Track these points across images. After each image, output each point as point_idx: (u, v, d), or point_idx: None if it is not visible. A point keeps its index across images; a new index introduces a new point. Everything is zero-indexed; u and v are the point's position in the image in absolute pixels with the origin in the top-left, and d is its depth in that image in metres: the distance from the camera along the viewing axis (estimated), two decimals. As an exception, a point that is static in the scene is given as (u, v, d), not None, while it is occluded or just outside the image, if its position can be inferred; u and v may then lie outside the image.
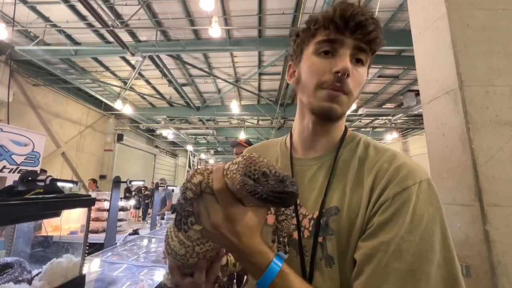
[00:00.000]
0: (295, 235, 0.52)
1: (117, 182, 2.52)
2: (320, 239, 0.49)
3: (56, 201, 0.83)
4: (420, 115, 7.64)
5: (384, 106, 9.18)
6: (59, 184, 0.98)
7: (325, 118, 0.54)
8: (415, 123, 10.36)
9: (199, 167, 0.46)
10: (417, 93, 7.48)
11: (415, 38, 1.80)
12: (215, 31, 4.19)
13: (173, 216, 0.47)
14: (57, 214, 0.88)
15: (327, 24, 0.50)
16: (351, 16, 0.48)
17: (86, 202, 0.96)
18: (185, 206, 0.44)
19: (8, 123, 2.99)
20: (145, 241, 2.61)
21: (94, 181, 5.86)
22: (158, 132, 12.32)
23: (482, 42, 1.47)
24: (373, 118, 10.43)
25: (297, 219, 0.53)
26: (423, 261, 0.39)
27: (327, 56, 0.51)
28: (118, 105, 7.55)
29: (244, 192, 0.38)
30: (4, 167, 1.85)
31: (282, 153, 0.66)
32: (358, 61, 0.52)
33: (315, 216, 0.51)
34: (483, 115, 1.39)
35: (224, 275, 0.58)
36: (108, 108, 9.05)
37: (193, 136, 13.65)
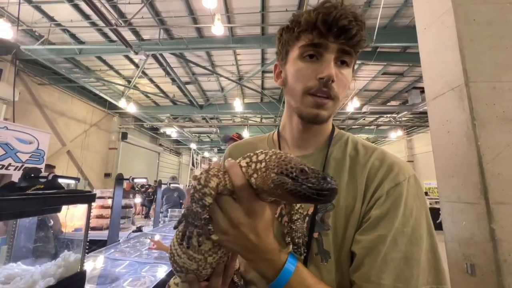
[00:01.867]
0: None
1: (120, 179, 2.54)
2: (315, 234, 0.50)
3: (56, 196, 0.84)
4: (425, 113, 7.54)
5: (388, 104, 9.09)
6: (61, 180, 0.99)
7: (312, 122, 0.55)
8: (420, 120, 10.24)
9: (210, 168, 0.42)
10: (422, 90, 7.39)
11: (420, 34, 1.77)
12: (218, 29, 4.18)
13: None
14: (57, 209, 0.89)
15: (310, 29, 0.50)
16: (334, 21, 0.48)
17: (87, 198, 0.97)
18: (201, 214, 0.39)
19: (14, 122, 3.02)
20: (148, 239, 2.63)
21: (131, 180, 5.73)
22: (161, 130, 12.40)
23: (489, 37, 1.43)
24: (377, 116, 10.34)
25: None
26: (414, 249, 0.44)
27: (312, 60, 0.51)
28: (122, 103, 7.61)
29: (279, 191, 0.37)
30: (9, 164, 1.88)
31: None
32: (342, 63, 0.52)
33: (309, 213, 0.52)
34: (490, 111, 1.36)
35: (239, 278, 0.56)
36: (112, 107, 9.12)
37: (197, 134, 13.71)
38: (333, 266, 0.48)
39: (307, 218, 0.52)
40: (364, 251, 0.45)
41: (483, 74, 1.40)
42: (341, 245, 0.49)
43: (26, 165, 2.00)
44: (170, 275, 1.66)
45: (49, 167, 3.35)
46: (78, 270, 0.90)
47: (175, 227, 0.43)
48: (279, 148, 0.64)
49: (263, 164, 0.40)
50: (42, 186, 0.86)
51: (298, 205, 0.47)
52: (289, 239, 0.45)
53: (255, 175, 0.40)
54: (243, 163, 0.42)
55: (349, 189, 0.51)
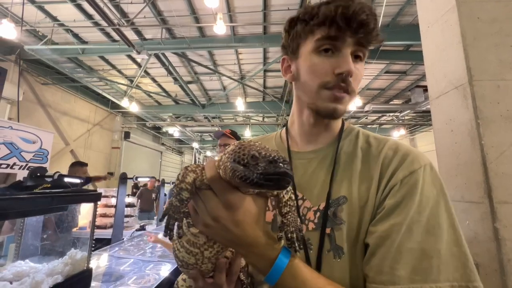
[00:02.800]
0: None
1: (123, 178, 2.56)
2: (328, 230, 0.48)
3: (63, 195, 0.85)
4: (428, 111, 7.50)
5: (391, 102, 9.05)
6: (67, 180, 1.00)
7: (329, 117, 0.54)
8: (423, 119, 10.18)
9: (190, 165, 0.44)
10: (425, 89, 7.34)
11: (423, 32, 1.76)
12: (219, 28, 4.18)
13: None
14: (64, 208, 0.91)
15: (328, 23, 0.49)
16: (353, 15, 0.47)
17: (92, 197, 0.99)
18: (180, 208, 0.41)
19: (18, 121, 3.05)
20: (146, 234, 2.65)
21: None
22: (164, 129, 12.43)
23: (493, 34, 1.42)
24: (380, 115, 10.29)
25: (298, 212, 0.52)
26: (432, 239, 0.41)
27: (327, 54, 0.50)
28: (124, 103, 7.64)
29: (236, 179, 0.36)
30: (14, 163, 1.90)
31: (278, 147, 0.65)
32: (356, 57, 0.51)
33: (321, 208, 0.51)
34: (494, 110, 1.35)
35: (246, 276, 0.56)
36: (115, 106, 9.16)
37: (199, 134, 13.73)
38: (347, 263, 0.46)
39: (318, 213, 0.50)
40: (377, 241, 0.43)
41: (487, 72, 1.40)
42: (356, 239, 0.47)
43: (30, 164, 2.03)
44: (173, 273, 1.67)
45: (81, 164, 3.31)
46: (85, 268, 0.91)
47: (160, 220, 0.45)
48: (287, 145, 0.63)
49: (226, 155, 0.40)
50: (49, 185, 0.87)
51: (286, 197, 0.45)
52: (281, 234, 0.43)
53: (222, 167, 0.40)
54: (218, 157, 0.42)
55: (362, 181, 0.49)
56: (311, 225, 0.51)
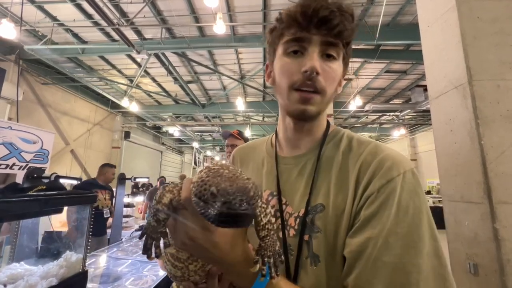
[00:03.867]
0: (280, 234, 0.51)
1: (122, 179, 2.56)
2: (306, 237, 0.48)
3: (58, 198, 0.85)
4: (429, 111, 7.47)
5: (391, 102, 9.03)
6: (63, 181, 1.00)
7: (300, 119, 0.54)
8: (423, 119, 10.16)
9: (168, 184, 0.44)
10: (425, 88, 7.30)
11: (423, 32, 1.75)
12: (219, 27, 4.17)
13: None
14: (59, 210, 0.90)
15: (291, 23, 0.49)
16: (314, 12, 0.46)
17: (88, 199, 0.98)
18: (158, 228, 0.41)
19: (17, 121, 3.05)
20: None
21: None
22: (164, 129, 12.44)
23: (494, 34, 1.42)
24: (380, 114, 10.28)
25: (281, 218, 0.52)
26: (412, 252, 0.39)
27: (296, 55, 0.50)
28: (124, 102, 7.63)
29: (200, 213, 0.35)
30: (13, 164, 1.89)
31: (268, 152, 0.65)
32: (329, 56, 0.50)
33: (301, 214, 0.50)
34: (494, 110, 1.34)
35: None
36: (115, 106, 9.16)
37: (199, 133, 13.73)
38: (323, 271, 0.46)
39: (298, 220, 0.49)
40: (353, 255, 0.42)
41: (487, 72, 1.39)
42: (333, 248, 0.46)
43: (30, 164, 2.02)
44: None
45: (111, 166, 3.42)
46: (80, 270, 0.91)
47: (140, 238, 0.44)
48: (276, 150, 0.63)
49: (198, 179, 0.38)
50: (45, 187, 0.87)
51: (264, 220, 0.43)
52: (257, 257, 0.41)
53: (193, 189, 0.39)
54: (195, 179, 0.40)
55: (340, 188, 0.48)
56: (292, 231, 0.51)
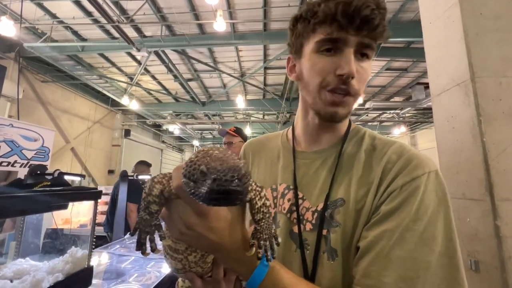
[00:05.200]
0: (296, 229, 0.51)
1: (124, 176, 2.56)
2: (324, 231, 0.48)
3: (63, 193, 0.85)
4: (429, 109, 7.48)
5: (392, 100, 9.01)
6: (66, 177, 1.00)
7: (330, 121, 0.53)
8: (423, 116, 10.15)
9: (156, 176, 0.42)
10: (426, 86, 7.31)
11: (425, 29, 1.75)
12: (219, 25, 4.15)
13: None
14: (64, 206, 0.91)
15: (328, 21, 0.46)
16: (355, 11, 0.43)
17: (93, 195, 0.99)
18: (151, 221, 0.40)
19: (18, 119, 3.05)
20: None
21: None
22: (164, 127, 12.42)
23: (496, 31, 1.41)
24: (380, 112, 10.26)
25: (297, 212, 0.52)
26: (424, 249, 0.40)
27: (329, 54, 0.48)
28: (125, 100, 7.62)
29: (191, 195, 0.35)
30: (15, 161, 1.90)
31: (283, 146, 0.65)
32: (362, 55, 0.49)
33: (319, 209, 0.50)
34: (496, 107, 1.34)
35: None
36: (115, 104, 9.15)
37: (199, 131, 13.72)
38: (340, 265, 0.46)
39: (315, 214, 0.49)
40: (367, 245, 0.43)
41: (489, 69, 1.39)
42: (350, 243, 0.46)
43: (31, 162, 2.02)
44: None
45: (147, 164, 3.43)
46: (86, 266, 0.92)
47: (131, 234, 0.44)
48: (293, 145, 0.61)
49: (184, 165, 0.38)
50: (49, 183, 0.87)
51: (259, 203, 0.43)
52: (253, 241, 0.40)
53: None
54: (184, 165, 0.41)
55: (362, 184, 0.48)
56: (308, 226, 0.51)
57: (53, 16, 5.05)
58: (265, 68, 7.01)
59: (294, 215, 0.53)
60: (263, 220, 0.42)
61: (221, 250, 0.41)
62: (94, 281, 0.99)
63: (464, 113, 1.45)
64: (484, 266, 1.34)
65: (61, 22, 5.20)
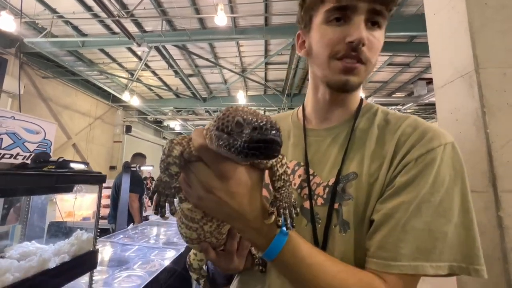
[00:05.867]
0: (307, 204, 0.51)
1: (127, 167, 2.57)
2: (336, 205, 0.48)
3: (69, 175, 0.86)
4: (431, 104, 7.44)
5: (393, 96, 8.97)
6: (71, 165, 1.01)
7: (341, 91, 0.52)
8: (425, 112, 10.11)
9: (174, 138, 0.41)
10: (428, 81, 7.27)
11: (429, 20, 1.73)
12: (221, 19, 4.13)
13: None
14: (69, 189, 0.91)
15: None
16: None
17: (97, 178, 0.99)
18: (171, 184, 0.39)
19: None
20: (155, 227, 2.68)
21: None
22: (165, 123, 12.43)
23: (501, 21, 1.39)
24: (382, 108, 10.21)
25: (309, 188, 0.52)
26: (441, 220, 0.40)
27: (339, 23, 0.47)
28: (125, 96, 7.62)
29: (222, 149, 0.33)
30: (17, 154, 1.90)
31: (294, 125, 0.64)
32: (374, 24, 0.48)
33: (330, 183, 0.50)
34: (500, 98, 1.33)
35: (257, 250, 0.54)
36: (116, 100, 9.14)
37: (200, 127, 13.72)
38: (352, 237, 0.45)
39: (327, 189, 0.49)
40: (382, 218, 0.42)
41: (494, 60, 1.37)
42: (362, 215, 0.46)
43: (34, 155, 2.03)
44: (178, 259, 1.69)
45: (142, 156, 3.59)
46: (91, 249, 0.93)
47: (150, 198, 0.43)
48: (303, 123, 0.61)
49: (212, 122, 0.36)
50: (54, 167, 0.87)
51: (281, 170, 0.41)
52: (273, 209, 0.39)
53: (208, 136, 0.36)
54: (207, 126, 0.38)
55: (375, 158, 0.48)
56: (319, 200, 0.50)
57: (53, 11, 5.03)
58: (266, 64, 6.97)
59: (305, 191, 0.52)
60: (283, 188, 0.41)
61: (239, 218, 0.39)
62: (98, 268, 1.00)
63: (468, 104, 1.45)
64: (486, 257, 1.33)
65: (61, 17, 5.17)
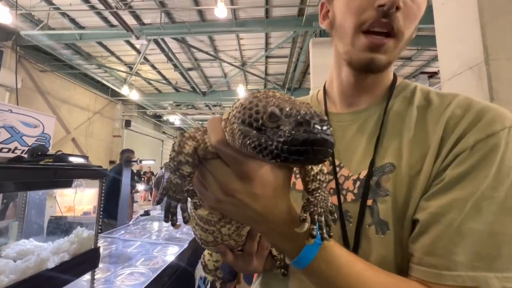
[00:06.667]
0: (334, 200, 0.44)
1: (127, 161, 2.55)
2: (369, 202, 0.41)
3: (67, 169, 0.83)
4: (433, 99, 7.34)
5: (394, 90, 8.92)
6: (70, 159, 0.98)
7: (365, 71, 0.45)
8: (426, 107, 10.08)
9: (186, 131, 0.35)
10: (430, 75, 7.20)
11: (437, 10, 1.68)
12: (220, 11, 4.05)
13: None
14: (68, 183, 0.88)
15: None
16: None
17: (97, 172, 0.96)
18: (183, 186, 0.33)
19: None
20: (156, 222, 2.67)
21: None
22: (165, 118, 12.37)
23: (511, 11, 1.35)
24: (382, 103, 10.18)
25: (336, 181, 0.45)
26: (507, 220, 0.32)
27: None
28: (124, 90, 7.55)
29: (248, 149, 0.25)
30: (16, 148, 1.86)
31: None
32: None
33: (361, 177, 0.43)
34: (510, 89, 1.30)
35: (279, 252, 0.50)
36: (115, 94, 9.07)
37: (200, 122, 13.67)
38: (392, 240, 0.39)
39: (358, 182, 0.42)
40: (430, 218, 0.35)
41: (505, 50, 1.33)
42: (402, 214, 0.39)
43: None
44: (181, 255, 1.68)
45: (130, 151, 3.56)
46: (92, 247, 0.90)
47: (158, 203, 0.38)
48: (325, 106, 0.53)
49: (234, 112, 0.28)
50: (51, 160, 0.84)
51: (316, 169, 0.34)
52: (305, 215, 0.32)
53: (228, 129, 0.29)
54: (225, 115, 0.31)
55: (417, 146, 0.40)
56: (349, 196, 0.44)
57: (49, 2, 4.92)
58: (267, 57, 6.89)
59: (331, 184, 0.45)
60: (319, 191, 0.34)
61: (263, 222, 0.34)
62: (100, 264, 0.97)
63: (477, 96, 1.41)
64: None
65: (57, 8, 5.06)
